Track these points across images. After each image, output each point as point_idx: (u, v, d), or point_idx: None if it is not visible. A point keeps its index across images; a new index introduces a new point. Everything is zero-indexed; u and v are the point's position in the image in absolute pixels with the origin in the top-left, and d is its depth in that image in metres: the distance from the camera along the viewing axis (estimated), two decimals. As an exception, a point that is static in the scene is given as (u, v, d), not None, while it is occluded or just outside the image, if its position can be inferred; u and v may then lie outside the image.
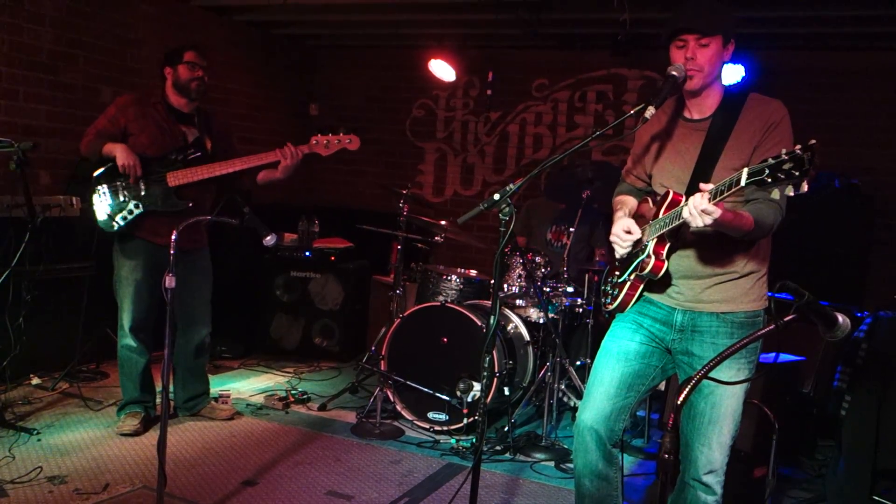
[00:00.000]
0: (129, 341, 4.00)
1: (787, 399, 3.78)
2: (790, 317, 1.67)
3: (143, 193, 3.87)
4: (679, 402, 1.47)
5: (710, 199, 2.09)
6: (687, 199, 2.18)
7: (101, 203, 3.89)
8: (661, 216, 2.40)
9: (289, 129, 7.57)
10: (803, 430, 4.25)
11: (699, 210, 2.09)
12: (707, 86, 2.42)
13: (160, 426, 2.91)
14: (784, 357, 3.82)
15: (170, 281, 2.92)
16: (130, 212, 3.84)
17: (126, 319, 3.98)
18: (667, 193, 2.41)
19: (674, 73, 2.37)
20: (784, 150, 1.86)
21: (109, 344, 4.86)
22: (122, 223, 3.87)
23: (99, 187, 3.89)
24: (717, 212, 2.08)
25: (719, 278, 2.43)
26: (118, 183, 3.87)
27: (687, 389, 1.48)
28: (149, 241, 3.92)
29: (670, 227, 2.32)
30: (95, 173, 3.91)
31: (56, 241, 4.39)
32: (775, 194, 1.90)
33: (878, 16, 5.05)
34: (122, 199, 3.88)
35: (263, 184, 4.16)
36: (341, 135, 3.92)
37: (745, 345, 1.68)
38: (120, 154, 3.79)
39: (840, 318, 1.72)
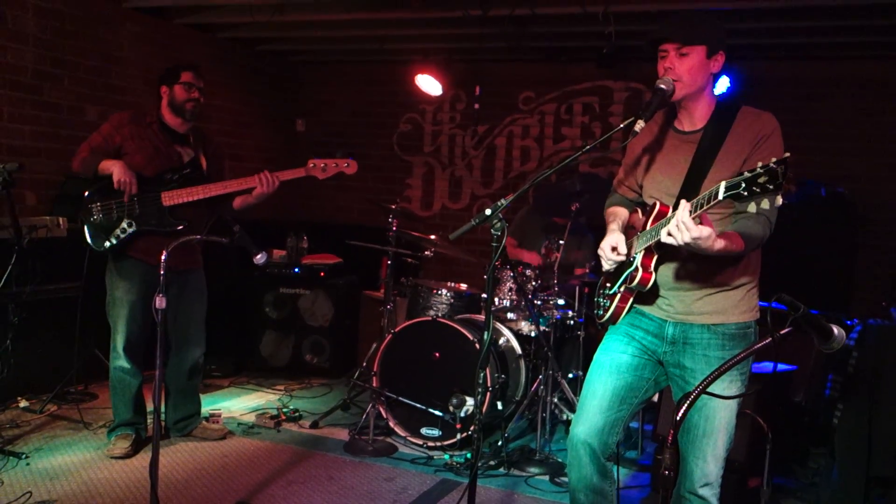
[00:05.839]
0: (123, 363, 3.96)
1: (780, 409, 3.79)
2: (787, 329, 1.67)
3: (137, 212, 3.84)
4: (678, 419, 1.47)
5: (690, 214, 2.10)
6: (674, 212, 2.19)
7: (93, 221, 3.86)
8: (648, 228, 2.41)
9: (275, 146, 7.56)
10: (796, 439, 4.26)
11: (680, 223, 2.10)
12: (692, 96, 2.42)
13: (152, 448, 2.88)
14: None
15: (160, 302, 2.91)
16: (123, 230, 3.79)
17: (120, 341, 3.95)
18: (654, 205, 2.42)
19: (662, 86, 2.38)
20: (759, 164, 1.88)
21: (98, 365, 4.82)
22: (114, 242, 3.83)
23: (91, 206, 3.87)
24: (698, 231, 2.08)
25: (710, 290, 2.44)
26: (111, 202, 3.85)
27: (685, 406, 1.48)
28: (143, 261, 3.89)
29: (656, 238, 2.34)
30: (87, 191, 3.88)
31: (43, 262, 4.36)
32: (752, 207, 1.91)
33: (861, 26, 5.12)
34: (115, 217, 3.85)
35: (239, 209, 4.10)
36: (338, 158, 3.90)
37: (743, 359, 1.68)
38: (117, 171, 3.76)
39: (835, 329, 1.72)
